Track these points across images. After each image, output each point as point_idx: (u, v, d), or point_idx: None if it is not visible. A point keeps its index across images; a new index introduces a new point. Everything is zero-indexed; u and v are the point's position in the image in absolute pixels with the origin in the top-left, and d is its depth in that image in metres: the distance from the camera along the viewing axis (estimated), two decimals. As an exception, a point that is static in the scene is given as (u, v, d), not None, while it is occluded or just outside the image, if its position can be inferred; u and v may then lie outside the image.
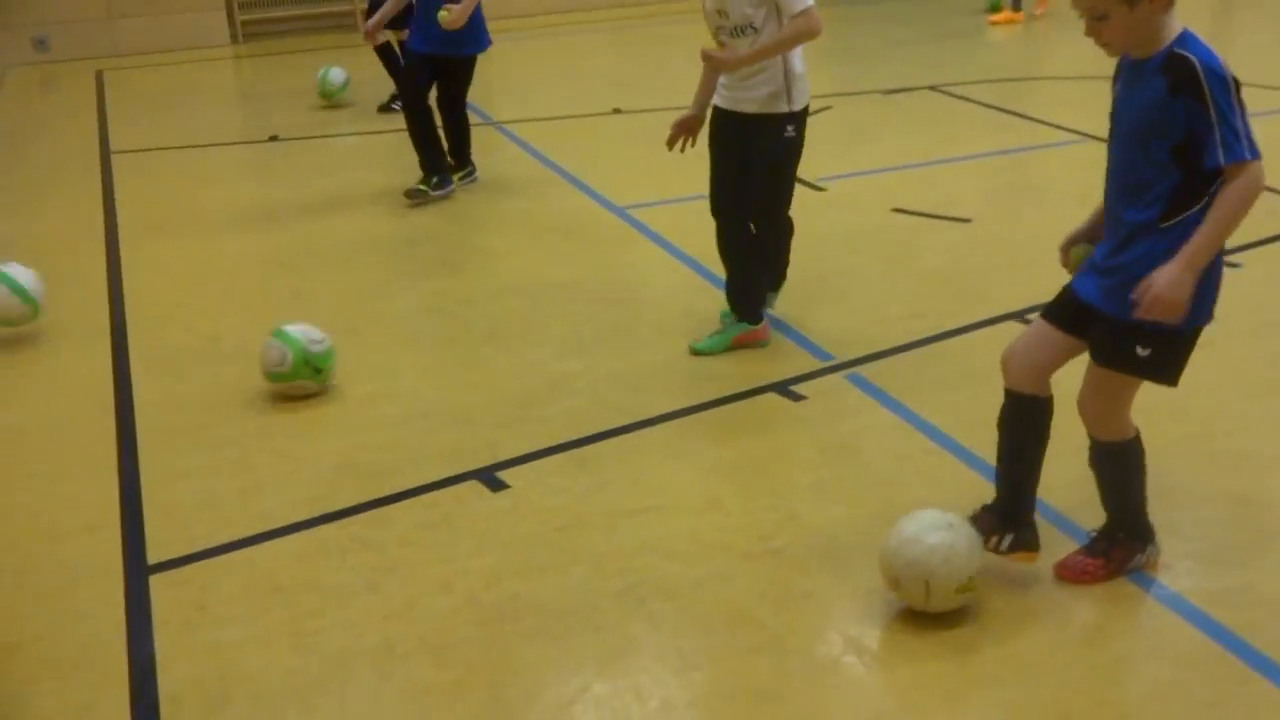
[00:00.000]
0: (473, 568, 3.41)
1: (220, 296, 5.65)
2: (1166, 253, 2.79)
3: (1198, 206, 2.80)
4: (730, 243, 4.71)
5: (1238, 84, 2.76)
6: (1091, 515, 3.27)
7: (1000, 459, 3.28)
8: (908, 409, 4.19)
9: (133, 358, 4.95)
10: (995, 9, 11.54)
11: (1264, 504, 3.59)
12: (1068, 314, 3.09)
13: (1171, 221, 2.84)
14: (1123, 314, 2.88)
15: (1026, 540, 3.22)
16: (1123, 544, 3.21)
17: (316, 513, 3.74)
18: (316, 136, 8.35)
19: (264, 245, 6.36)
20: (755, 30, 4.34)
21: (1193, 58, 2.74)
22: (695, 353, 4.70)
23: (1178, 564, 3.27)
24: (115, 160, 7.93)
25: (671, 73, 9.69)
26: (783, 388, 4.40)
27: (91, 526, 3.73)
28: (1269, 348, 4.55)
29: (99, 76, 10.54)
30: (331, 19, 10.68)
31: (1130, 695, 2.88)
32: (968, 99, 8.43)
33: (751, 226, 4.68)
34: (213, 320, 5.33)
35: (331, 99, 9.15)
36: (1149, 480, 3.16)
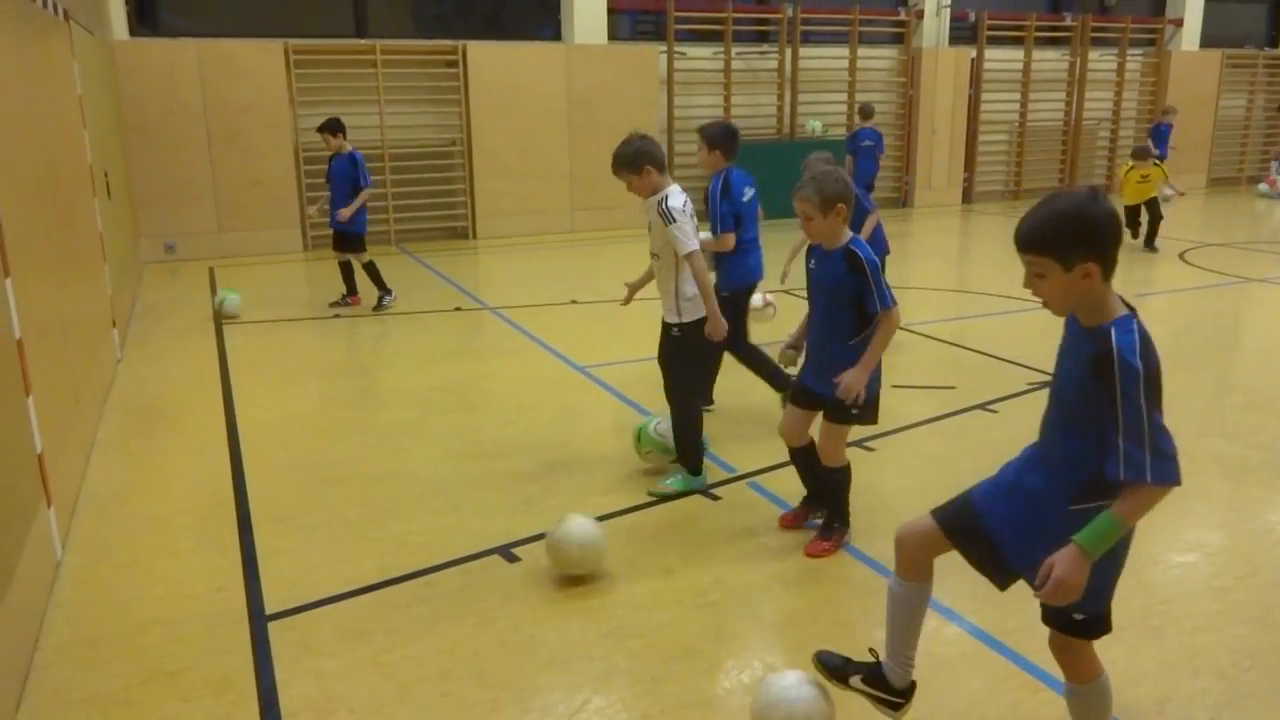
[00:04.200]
0: (500, 615, 3.36)
1: (302, 424, 5.54)
2: (840, 353, 3.52)
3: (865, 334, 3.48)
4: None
5: (876, 265, 3.45)
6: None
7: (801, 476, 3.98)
8: (787, 504, 4.19)
9: (245, 466, 4.83)
10: None
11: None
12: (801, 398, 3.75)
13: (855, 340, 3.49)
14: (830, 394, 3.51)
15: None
16: (838, 532, 3.79)
17: (386, 577, 3.66)
18: (366, 315, 8.31)
19: (334, 389, 6.28)
20: (658, 258, 4.23)
21: (857, 251, 3.45)
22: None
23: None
24: (225, 327, 7.82)
25: (609, 276, 9.90)
26: (704, 491, 4.40)
27: (223, 588, 3.61)
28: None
29: (211, 271, 10.44)
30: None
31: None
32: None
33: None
34: (298, 440, 5.23)
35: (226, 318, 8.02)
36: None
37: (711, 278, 4.42)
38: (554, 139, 12.71)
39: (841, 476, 3.76)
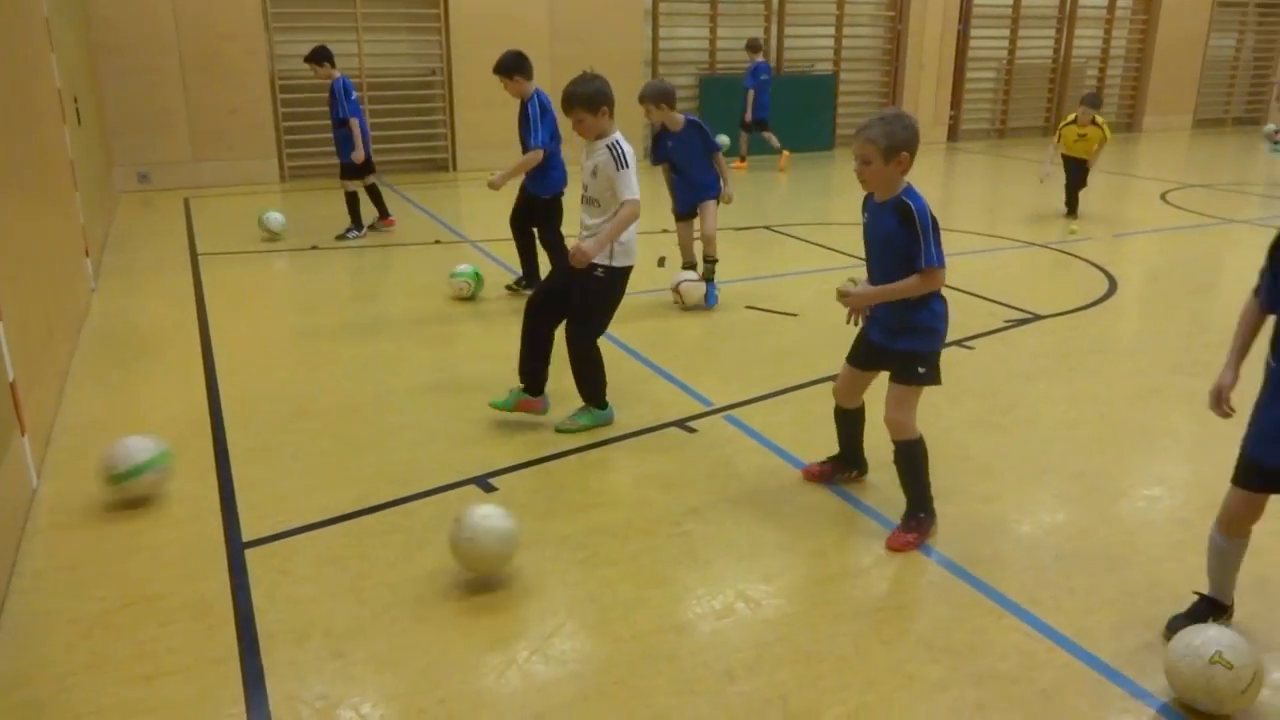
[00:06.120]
0: (477, 544, 3.39)
1: (279, 356, 5.53)
2: (905, 307, 3.25)
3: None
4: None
5: (936, 221, 3.18)
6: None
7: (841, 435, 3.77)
8: (762, 436, 4.28)
9: (222, 397, 4.82)
10: (740, 158, 12.48)
11: (989, 495, 3.75)
12: (864, 357, 3.50)
13: None
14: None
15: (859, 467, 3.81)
16: (924, 522, 3.41)
17: (362, 506, 3.69)
18: (343, 248, 8.24)
19: (307, 322, 6.23)
20: (597, 204, 4.17)
21: (910, 203, 3.17)
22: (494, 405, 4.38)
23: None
24: (201, 259, 7.74)
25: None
26: (681, 424, 4.45)
27: (201, 515, 3.63)
28: (996, 403, 4.70)
29: (186, 202, 10.28)
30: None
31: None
32: (790, 235, 8.65)
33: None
34: (275, 371, 5.22)
35: (274, 237, 8.37)
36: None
37: None
38: (537, 71, 12.41)
39: (917, 450, 3.37)
